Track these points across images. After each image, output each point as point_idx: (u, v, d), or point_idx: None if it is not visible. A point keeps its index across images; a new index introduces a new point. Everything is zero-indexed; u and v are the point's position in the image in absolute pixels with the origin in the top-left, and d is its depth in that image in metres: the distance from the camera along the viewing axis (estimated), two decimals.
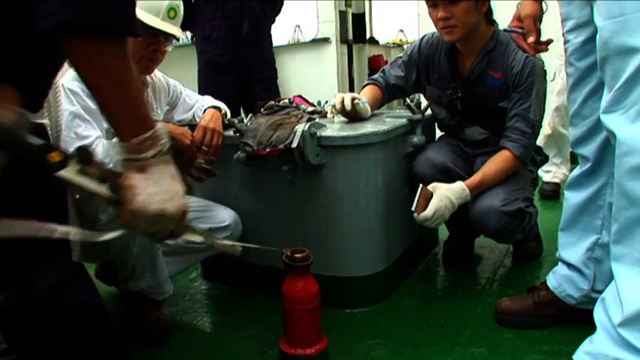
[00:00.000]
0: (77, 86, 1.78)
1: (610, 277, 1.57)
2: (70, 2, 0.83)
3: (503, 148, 2.15)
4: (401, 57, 2.47)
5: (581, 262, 1.77)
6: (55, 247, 1.06)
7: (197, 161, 1.96)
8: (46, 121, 1.82)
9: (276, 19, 3.84)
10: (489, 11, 2.19)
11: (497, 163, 2.12)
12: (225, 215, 2.16)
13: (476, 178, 2.09)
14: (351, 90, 5.39)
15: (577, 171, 1.76)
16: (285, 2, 3.83)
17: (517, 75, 2.13)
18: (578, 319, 1.79)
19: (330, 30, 5.02)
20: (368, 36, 6.03)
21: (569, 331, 1.80)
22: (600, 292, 1.68)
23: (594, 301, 1.67)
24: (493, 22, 2.23)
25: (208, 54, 3.48)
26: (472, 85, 2.24)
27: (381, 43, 6.53)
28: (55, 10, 0.83)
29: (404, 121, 2.21)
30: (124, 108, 0.95)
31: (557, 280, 1.86)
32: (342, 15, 5.26)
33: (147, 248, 1.92)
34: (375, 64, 5.78)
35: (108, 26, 0.88)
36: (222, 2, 3.36)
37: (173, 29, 1.96)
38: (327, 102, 2.60)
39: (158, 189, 0.97)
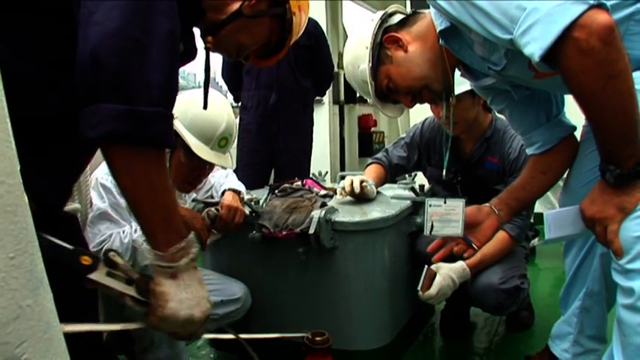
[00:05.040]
0: (110, 182, 1.78)
1: (601, 324, 1.72)
2: (117, 115, 0.89)
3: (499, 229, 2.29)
4: (403, 138, 2.64)
5: (570, 313, 1.86)
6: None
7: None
8: (77, 205, 1.93)
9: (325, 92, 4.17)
10: (486, 101, 2.37)
11: (495, 244, 2.25)
12: (236, 289, 2.23)
13: (476, 258, 2.22)
14: (342, 149, 5.54)
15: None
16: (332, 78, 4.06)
17: (514, 161, 2.31)
18: None
19: None
20: (357, 95, 6.22)
21: None
22: (592, 337, 1.80)
23: (590, 352, 1.78)
24: (490, 110, 2.41)
25: (243, 122, 3.74)
26: (472, 168, 2.41)
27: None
28: (103, 121, 0.88)
29: (408, 202, 2.36)
30: (159, 217, 0.98)
31: (552, 338, 1.96)
32: (335, 76, 5.44)
33: None
34: (364, 122, 5.94)
35: (150, 138, 0.93)
36: (256, 75, 3.62)
37: (221, 159, 1.95)
38: (327, 172, 2.76)
39: (187, 295, 1.03)
